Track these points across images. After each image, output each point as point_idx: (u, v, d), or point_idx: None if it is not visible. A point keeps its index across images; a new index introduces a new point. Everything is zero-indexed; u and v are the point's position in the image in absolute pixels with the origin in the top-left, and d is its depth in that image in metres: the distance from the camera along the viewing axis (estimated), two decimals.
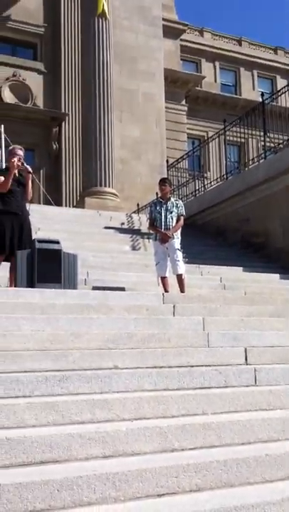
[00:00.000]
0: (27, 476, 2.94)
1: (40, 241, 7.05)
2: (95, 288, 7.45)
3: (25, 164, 7.10)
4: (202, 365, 4.75)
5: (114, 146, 17.63)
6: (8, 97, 20.21)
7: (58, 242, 7.11)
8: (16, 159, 6.95)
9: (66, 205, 19.29)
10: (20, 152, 7.13)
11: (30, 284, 6.64)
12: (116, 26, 19.84)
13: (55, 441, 3.28)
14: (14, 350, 4.45)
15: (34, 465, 3.20)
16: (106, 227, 12.55)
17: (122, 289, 7.29)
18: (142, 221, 13.37)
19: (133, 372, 4.30)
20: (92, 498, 2.95)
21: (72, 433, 3.33)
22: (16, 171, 7.04)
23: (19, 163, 6.99)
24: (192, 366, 4.71)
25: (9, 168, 6.98)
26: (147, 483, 3.11)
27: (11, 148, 7.46)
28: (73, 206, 18.82)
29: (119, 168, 19.01)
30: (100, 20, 17.63)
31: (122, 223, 13.35)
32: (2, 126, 14.92)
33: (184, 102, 26.14)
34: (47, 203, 17.24)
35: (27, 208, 7.24)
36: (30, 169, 7.15)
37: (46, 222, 11.80)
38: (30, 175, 7.17)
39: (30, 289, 6.26)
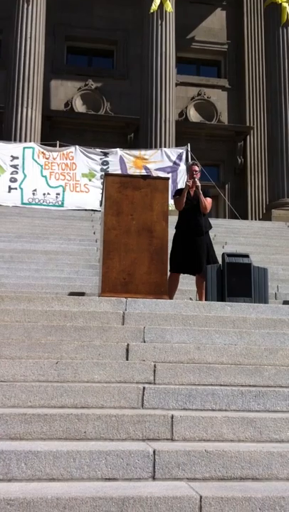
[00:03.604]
0: (228, 491, 2.93)
1: (230, 255, 7.07)
2: (286, 302, 7.24)
3: (196, 179, 7.11)
4: None
5: None
6: (194, 116, 20.81)
7: (247, 256, 7.07)
8: (190, 180, 7.05)
9: (252, 218, 19.14)
10: (196, 168, 7.19)
11: (221, 298, 6.68)
12: None
13: (255, 458, 3.23)
14: (208, 363, 4.51)
15: (233, 480, 3.19)
16: None
17: None
18: None
19: None
20: None
21: (272, 451, 3.25)
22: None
23: (188, 184, 7.04)
24: None
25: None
26: None
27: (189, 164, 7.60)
28: (259, 219, 18.60)
29: None
30: (285, 29, 17.34)
31: None
32: (188, 144, 15.39)
33: None
34: (233, 216, 17.30)
35: (204, 223, 7.09)
36: (198, 183, 7.08)
37: (233, 236, 11.85)
38: (196, 189, 7.05)
39: (221, 302, 6.30)
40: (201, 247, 7.00)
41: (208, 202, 7.12)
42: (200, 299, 6.97)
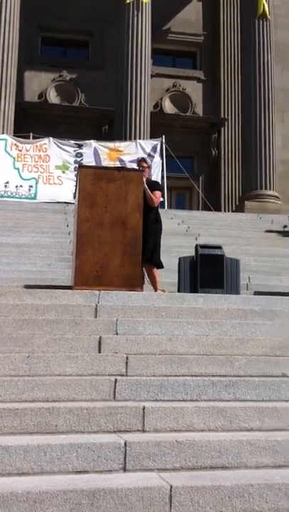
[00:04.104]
0: (197, 480, 2.96)
1: (203, 246, 7.11)
2: (257, 293, 7.31)
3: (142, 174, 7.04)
4: None
5: (276, 148, 17.25)
6: (169, 108, 20.77)
7: (220, 248, 7.12)
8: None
9: (225, 210, 19.23)
10: (144, 164, 7.18)
11: (194, 289, 6.72)
12: (277, 26, 19.40)
13: (224, 447, 3.26)
14: (180, 354, 4.53)
15: (203, 469, 3.22)
16: (267, 231, 12.28)
17: (287, 294, 7.05)
18: None
19: None
20: (264, 508, 2.89)
21: (242, 440, 3.29)
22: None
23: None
24: None
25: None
26: None
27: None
28: (232, 211, 18.71)
29: (280, 170, 18.51)
30: (261, 21, 17.38)
31: (285, 226, 12.95)
32: (163, 136, 15.38)
33: None
34: (206, 208, 17.36)
35: (149, 216, 6.85)
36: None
37: (206, 227, 11.91)
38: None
39: (193, 294, 6.33)
40: (150, 237, 6.76)
41: (155, 195, 7.01)
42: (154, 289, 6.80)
